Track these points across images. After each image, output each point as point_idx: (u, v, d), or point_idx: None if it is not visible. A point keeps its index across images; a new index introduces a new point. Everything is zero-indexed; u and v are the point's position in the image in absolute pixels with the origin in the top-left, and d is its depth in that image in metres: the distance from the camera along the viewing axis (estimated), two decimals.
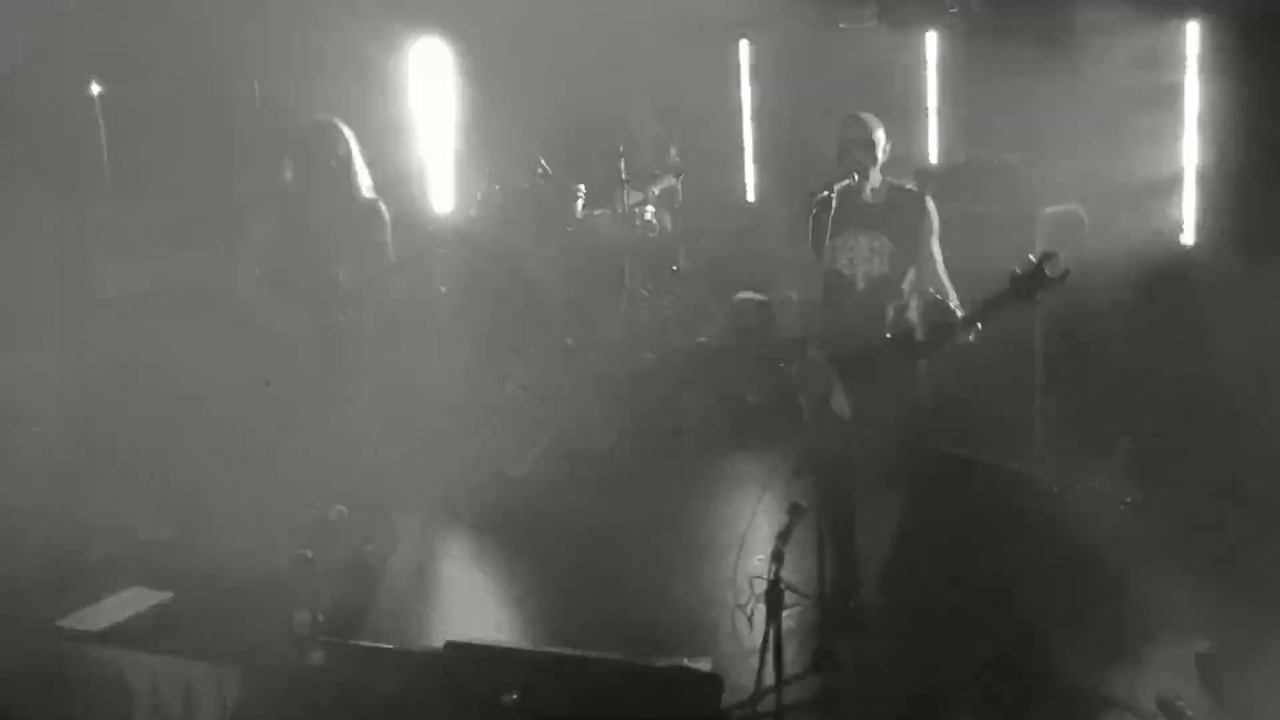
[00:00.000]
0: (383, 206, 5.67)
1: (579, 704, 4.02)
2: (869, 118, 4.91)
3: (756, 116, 9.19)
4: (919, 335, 4.84)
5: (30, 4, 7.09)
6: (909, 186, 5.02)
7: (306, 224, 5.54)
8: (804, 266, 4.77)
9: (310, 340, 5.53)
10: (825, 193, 4.58)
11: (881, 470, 5.27)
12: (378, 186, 5.79)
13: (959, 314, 4.64)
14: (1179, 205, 6.40)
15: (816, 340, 4.88)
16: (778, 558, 3.77)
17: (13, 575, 5.32)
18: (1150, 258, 6.28)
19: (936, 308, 4.77)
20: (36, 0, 7.06)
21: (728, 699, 4.19)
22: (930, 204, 4.92)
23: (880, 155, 4.86)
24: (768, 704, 4.12)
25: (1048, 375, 6.37)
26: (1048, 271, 4.28)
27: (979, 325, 4.54)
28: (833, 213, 4.62)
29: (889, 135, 4.91)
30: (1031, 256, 4.33)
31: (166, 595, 5.16)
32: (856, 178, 4.72)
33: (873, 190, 4.89)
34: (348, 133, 5.59)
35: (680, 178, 8.79)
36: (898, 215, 4.87)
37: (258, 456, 6.12)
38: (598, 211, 8.40)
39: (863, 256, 4.90)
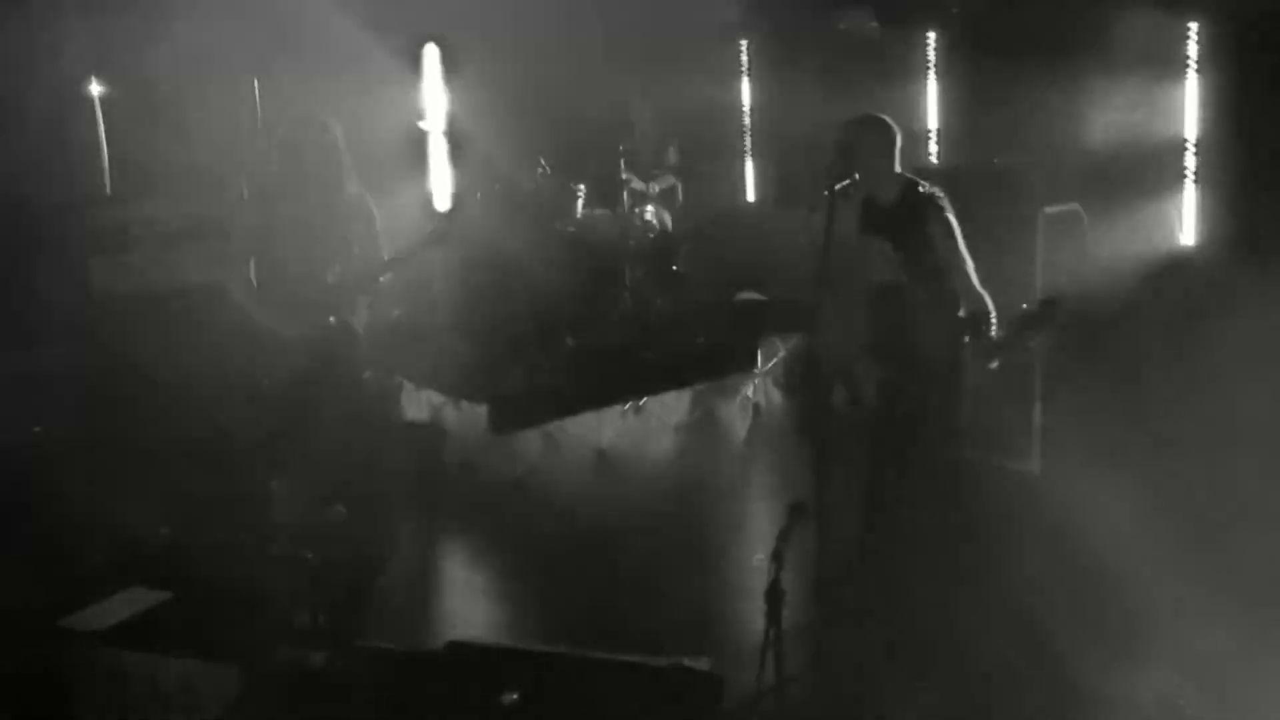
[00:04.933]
0: (370, 201, 5.64)
1: (579, 704, 4.02)
2: (874, 119, 4.90)
3: (756, 116, 9.18)
4: (953, 352, 4.76)
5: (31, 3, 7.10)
6: (924, 188, 4.85)
7: (294, 220, 5.51)
8: (804, 267, 4.74)
9: (303, 341, 5.52)
10: (825, 193, 4.57)
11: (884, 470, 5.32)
12: (377, 186, 5.78)
13: (993, 332, 4.62)
14: (1179, 206, 6.40)
15: (818, 340, 4.88)
16: (778, 558, 3.76)
17: (13, 575, 5.32)
18: (1150, 258, 6.29)
19: (972, 325, 4.67)
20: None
21: (728, 699, 4.19)
22: (943, 206, 4.78)
23: (878, 157, 4.81)
24: (767, 704, 4.11)
25: (1047, 375, 6.37)
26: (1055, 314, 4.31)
27: (998, 356, 4.56)
28: (842, 213, 4.61)
29: (889, 134, 4.87)
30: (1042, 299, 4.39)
31: (166, 595, 5.16)
32: (858, 177, 4.71)
33: (886, 191, 4.84)
34: (334, 127, 5.57)
35: (680, 177, 8.79)
36: (907, 219, 4.78)
37: (257, 457, 6.11)
38: (598, 211, 8.40)
39: (871, 260, 4.85)
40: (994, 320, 4.64)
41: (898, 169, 4.90)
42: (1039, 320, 4.35)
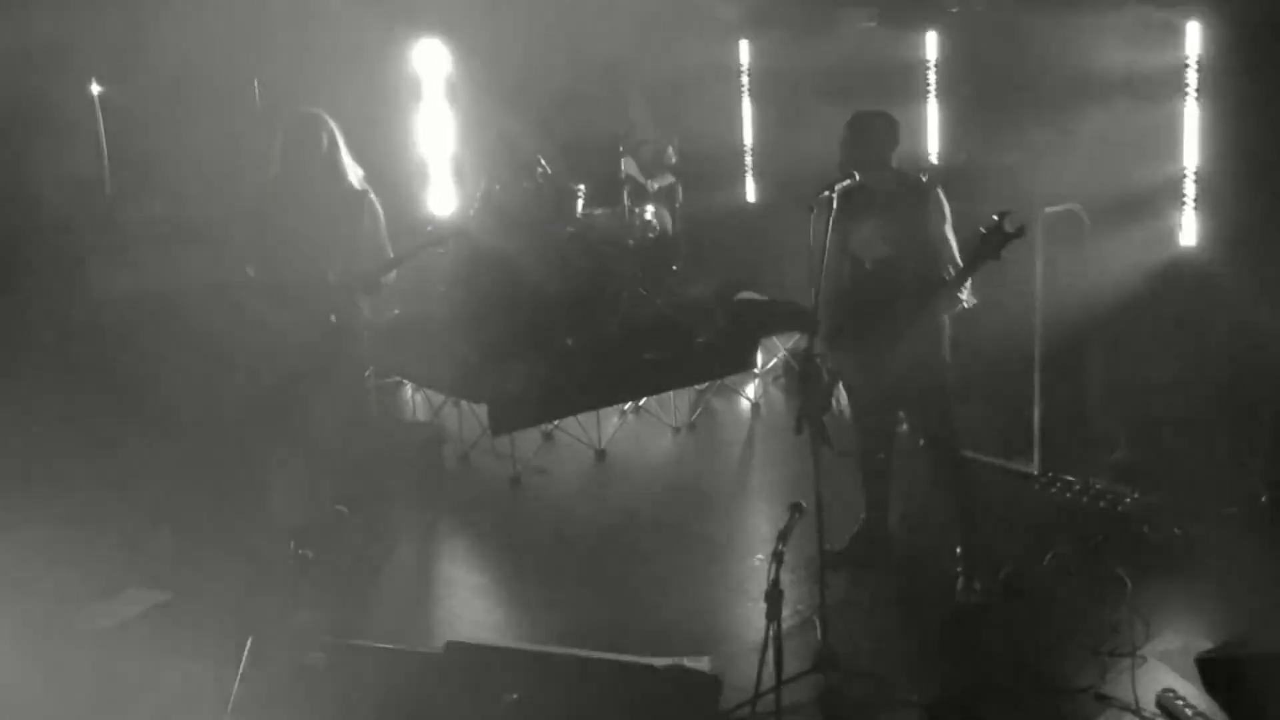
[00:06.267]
0: (374, 197, 5.64)
1: (579, 704, 4.02)
2: (868, 116, 5.11)
3: (756, 116, 9.18)
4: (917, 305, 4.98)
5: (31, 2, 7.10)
6: (919, 176, 5.17)
7: (296, 217, 5.51)
8: (803, 266, 4.77)
9: (304, 341, 5.51)
10: (826, 193, 4.61)
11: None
12: (377, 185, 5.78)
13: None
14: (1179, 206, 6.40)
15: (819, 339, 4.88)
16: (778, 558, 3.77)
17: (13, 575, 5.32)
18: (1150, 258, 6.28)
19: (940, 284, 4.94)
20: None
21: (727, 699, 4.19)
22: (938, 192, 5.08)
23: (878, 151, 5.03)
24: (767, 704, 4.11)
25: (1047, 375, 6.37)
26: (1007, 228, 4.56)
27: (960, 286, 4.80)
28: (840, 206, 4.70)
29: (893, 130, 5.10)
30: (994, 216, 4.60)
31: (166, 595, 5.16)
32: (858, 177, 4.76)
33: (883, 181, 5.04)
34: (332, 123, 5.58)
35: (680, 177, 8.79)
36: (904, 203, 5.04)
37: (257, 457, 6.11)
38: (598, 211, 8.40)
39: (870, 240, 5.05)
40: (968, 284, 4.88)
41: (894, 164, 5.11)
42: (993, 235, 4.60)
